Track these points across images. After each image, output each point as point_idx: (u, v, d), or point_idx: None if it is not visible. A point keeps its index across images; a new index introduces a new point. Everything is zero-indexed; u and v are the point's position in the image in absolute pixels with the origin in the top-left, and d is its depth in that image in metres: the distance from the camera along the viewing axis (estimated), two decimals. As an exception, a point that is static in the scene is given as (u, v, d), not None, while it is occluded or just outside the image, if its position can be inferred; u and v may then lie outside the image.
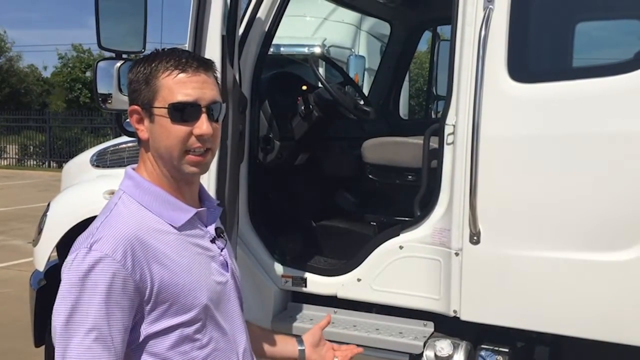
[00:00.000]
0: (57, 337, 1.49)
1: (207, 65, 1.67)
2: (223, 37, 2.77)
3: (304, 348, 2.06)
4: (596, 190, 2.53)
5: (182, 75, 1.61)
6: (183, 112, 1.60)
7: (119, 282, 1.49)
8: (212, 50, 2.74)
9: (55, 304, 1.51)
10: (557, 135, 2.58)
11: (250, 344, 1.84)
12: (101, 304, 1.47)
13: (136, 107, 1.65)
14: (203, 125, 1.61)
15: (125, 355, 1.54)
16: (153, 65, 1.62)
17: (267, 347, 2.03)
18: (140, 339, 1.57)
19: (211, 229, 1.77)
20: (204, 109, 1.62)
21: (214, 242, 1.76)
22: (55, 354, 1.49)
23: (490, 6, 2.64)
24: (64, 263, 1.55)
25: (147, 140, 1.65)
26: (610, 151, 2.51)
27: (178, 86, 1.60)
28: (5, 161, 24.03)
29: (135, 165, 1.72)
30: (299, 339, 2.09)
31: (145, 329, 1.57)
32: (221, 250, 1.78)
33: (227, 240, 1.85)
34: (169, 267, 1.58)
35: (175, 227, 1.64)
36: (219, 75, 1.77)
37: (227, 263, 1.79)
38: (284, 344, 2.07)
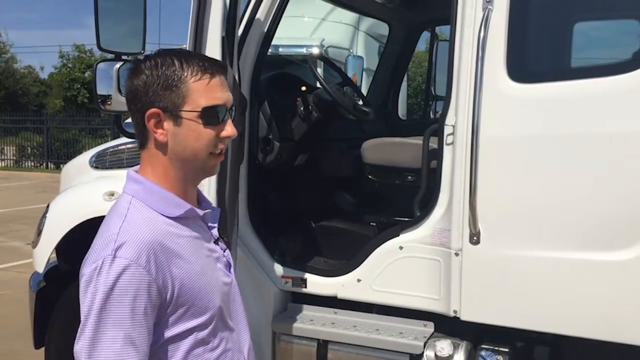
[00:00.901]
0: (84, 345, 1.47)
1: (225, 68, 1.71)
2: (223, 38, 2.78)
3: None
4: (596, 190, 2.54)
5: (213, 79, 1.63)
6: (215, 116, 1.62)
7: (145, 287, 1.49)
8: (212, 51, 2.74)
9: (83, 312, 1.49)
10: (557, 136, 2.58)
11: (251, 343, 1.86)
12: (130, 311, 1.47)
13: (156, 110, 1.61)
14: (229, 128, 1.66)
15: None
16: (176, 69, 1.61)
17: None
18: (159, 342, 1.57)
19: (214, 230, 1.79)
20: (229, 112, 1.66)
21: (217, 244, 1.78)
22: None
23: (489, 7, 2.64)
24: (85, 273, 1.52)
25: (166, 143, 1.63)
26: (609, 151, 2.51)
27: (208, 90, 1.62)
28: (2, 162, 23.98)
29: (137, 168, 1.70)
30: None
31: (164, 332, 1.57)
32: (224, 251, 1.80)
33: (226, 240, 1.87)
34: (187, 270, 1.59)
35: (187, 230, 1.65)
36: None
37: (230, 263, 1.80)
38: None
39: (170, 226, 1.62)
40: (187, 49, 2.75)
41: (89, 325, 1.47)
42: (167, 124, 1.62)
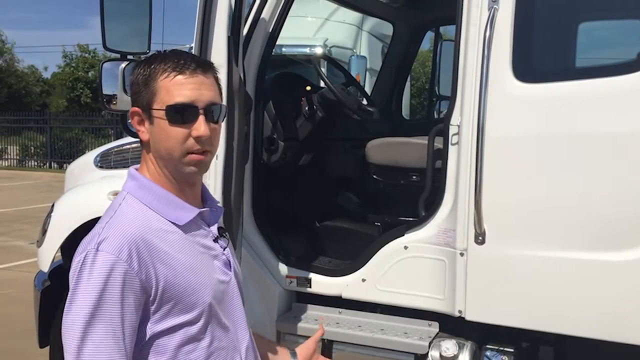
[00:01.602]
0: (67, 337, 1.50)
1: (206, 67, 1.67)
2: (229, 38, 2.78)
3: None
4: (601, 190, 2.54)
5: (179, 77, 1.61)
6: (180, 114, 1.60)
7: (126, 281, 1.51)
8: (218, 51, 2.74)
9: (66, 305, 1.52)
10: (562, 135, 2.58)
11: (253, 342, 1.86)
12: (110, 303, 1.50)
13: (137, 109, 1.66)
14: (201, 127, 1.62)
15: (132, 354, 1.56)
16: (152, 67, 1.63)
17: (261, 357, 2.03)
18: (147, 338, 1.58)
19: (214, 228, 1.79)
20: (201, 111, 1.62)
21: (217, 242, 1.78)
22: (66, 353, 1.51)
23: (495, 6, 2.64)
24: (72, 265, 1.56)
25: (148, 141, 1.67)
26: (615, 151, 2.51)
27: (175, 88, 1.61)
28: (6, 162, 24.03)
29: (137, 166, 1.74)
30: (292, 352, 2.08)
31: (151, 328, 1.58)
32: (224, 250, 1.80)
33: (229, 239, 1.87)
34: (173, 266, 1.59)
35: (179, 227, 1.66)
36: (220, 76, 1.76)
37: (229, 262, 1.80)
38: (277, 355, 2.07)
39: (160, 223, 1.63)
40: (194, 49, 2.76)
41: (73, 316, 1.50)
42: (146, 123, 1.65)
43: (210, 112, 1.64)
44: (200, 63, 1.66)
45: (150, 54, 1.73)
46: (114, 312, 1.49)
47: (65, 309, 1.52)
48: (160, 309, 1.58)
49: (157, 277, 1.56)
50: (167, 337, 1.59)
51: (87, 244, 1.56)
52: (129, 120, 3.30)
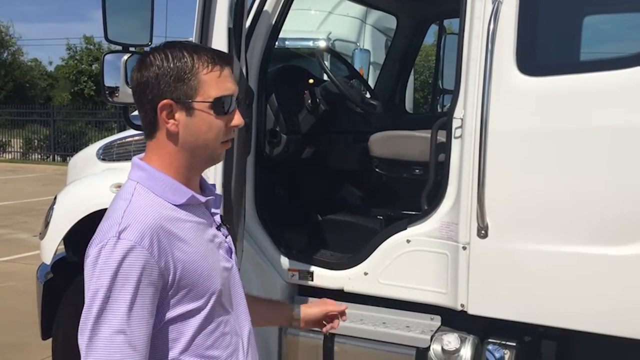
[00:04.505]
0: (86, 326, 1.51)
1: (231, 60, 1.77)
2: (229, 30, 2.77)
3: (299, 307, 2.22)
4: (605, 184, 2.53)
5: (223, 71, 1.69)
6: (225, 106, 1.69)
7: (147, 269, 1.54)
8: (219, 43, 2.73)
9: (89, 291, 1.53)
10: (565, 129, 2.57)
11: (252, 327, 1.89)
12: (133, 291, 1.52)
13: (169, 101, 1.66)
14: (238, 117, 1.72)
15: None
16: (187, 61, 1.66)
17: (262, 314, 2.12)
18: (160, 324, 1.61)
19: (217, 217, 1.83)
20: (236, 102, 1.72)
21: (220, 229, 1.82)
22: (83, 341, 1.51)
23: (499, -1, 2.62)
24: (90, 255, 1.56)
25: (176, 133, 1.68)
26: (619, 145, 2.50)
27: (219, 81, 1.68)
28: (9, 155, 24.09)
29: (141, 156, 1.75)
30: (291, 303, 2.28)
31: (164, 315, 1.61)
32: (225, 237, 1.83)
33: (228, 227, 1.92)
34: (189, 253, 1.63)
35: (189, 215, 1.69)
36: None
37: (231, 249, 1.84)
38: (278, 308, 2.25)
39: (173, 211, 1.66)
40: (194, 41, 2.75)
41: (95, 305, 1.51)
42: (179, 115, 1.67)
43: (237, 103, 1.75)
44: (228, 57, 1.76)
45: (154, 45, 1.75)
46: (138, 299, 1.52)
47: (88, 299, 1.52)
48: (176, 296, 1.61)
49: (175, 265, 1.59)
50: (179, 322, 1.63)
51: (106, 232, 1.57)
52: (133, 113, 3.31)
